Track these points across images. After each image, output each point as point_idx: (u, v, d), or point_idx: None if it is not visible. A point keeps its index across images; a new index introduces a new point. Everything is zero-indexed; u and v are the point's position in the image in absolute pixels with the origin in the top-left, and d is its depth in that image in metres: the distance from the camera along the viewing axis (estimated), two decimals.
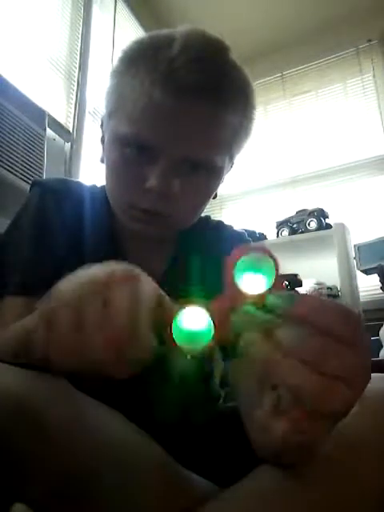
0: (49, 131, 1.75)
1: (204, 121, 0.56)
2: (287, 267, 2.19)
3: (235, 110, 0.59)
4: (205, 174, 0.59)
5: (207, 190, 0.62)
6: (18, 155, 1.50)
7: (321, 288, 2.26)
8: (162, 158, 0.55)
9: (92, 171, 2.11)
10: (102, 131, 0.65)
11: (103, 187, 0.68)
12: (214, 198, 0.66)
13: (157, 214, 0.58)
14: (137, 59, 0.57)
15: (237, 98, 0.59)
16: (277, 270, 0.30)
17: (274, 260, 0.30)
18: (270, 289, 0.30)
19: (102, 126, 0.66)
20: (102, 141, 0.64)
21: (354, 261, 2.31)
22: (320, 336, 0.29)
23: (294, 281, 2.22)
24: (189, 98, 0.54)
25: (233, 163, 0.67)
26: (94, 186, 0.71)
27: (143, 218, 0.59)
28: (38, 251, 0.59)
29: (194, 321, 0.31)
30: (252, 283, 0.31)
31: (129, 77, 0.57)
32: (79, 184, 0.71)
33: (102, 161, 0.64)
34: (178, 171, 0.56)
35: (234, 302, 0.31)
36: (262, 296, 0.30)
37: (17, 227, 0.63)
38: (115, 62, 0.61)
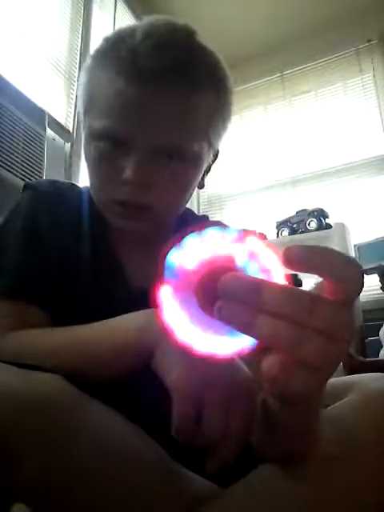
0: (49, 131, 1.75)
1: (171, 107, 0.55)
2: None
3: (206, 94, 0.57)
4: (181, 161, 0.57)
5: (186, 179, 0.61)
6: (18, 155, 1.50)
7: None
8: (135, 148, 0.55)
9: None
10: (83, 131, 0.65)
11: None
12: (200, 187, 0.65)
13: (137, 206, 0.57)
14: (104, 54, 0.58)
15: (206, 82, 0.57)
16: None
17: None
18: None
19: (83, 127, 0.65)
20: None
21: None
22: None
23: (294, 281, 2.23)
24: (153, 84, 0.53)
25: (216, 151, 0.66)
26: (87, 187, 0.71)
27: (124, 212, 0.58)
28: (27, 256, 0.58)
29: None
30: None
31: (97, 72, 0.58)
32: (72, 186, 0.70)
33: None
34: (153, 161, 0.55)
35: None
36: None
37: (6, 230, 0.62)
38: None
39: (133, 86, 0.53)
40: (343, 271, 0.28)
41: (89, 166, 0.61)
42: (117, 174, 0.56)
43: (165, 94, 0.54)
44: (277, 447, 0.42)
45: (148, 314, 0.45)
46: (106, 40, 0.59)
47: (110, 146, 0.56)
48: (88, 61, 0.61)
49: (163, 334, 0.39)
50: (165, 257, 0.31)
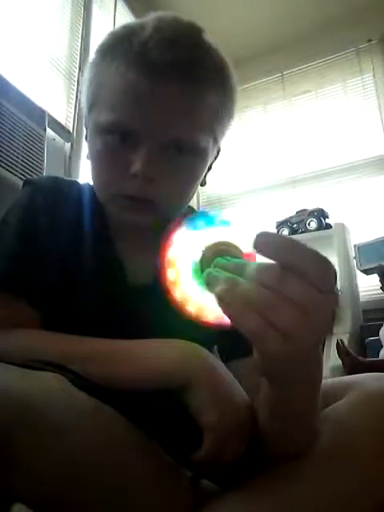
0: (49, 131, 1.75)
1: (182, 100, 0.55)
2: None
3: (214, 89, 0.57)
4: (189, 155, 0.57)
5: (193, 173, 0.61)
6: (18, 155, 1.50)
7: None
8: (145, 141, 0.54)
9: None
10: (86, 127, 0.64)
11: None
12: (202, 185, 0.65)
13: (144, 200, 0.57)
14: (111, 47, 0.57)
15: (214, 77, 0.58)
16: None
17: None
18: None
19: (85, 123, 0.65)
20: (86, 137, 0.63)
21: (354, 261, 2.31)
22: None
23: None
24: (164, 77, 0.53)
25: (219, 149, 0.66)
26: (88, 184, 0.70)
27: (131, 206, 0.57)
28: (22, 251, 0.58)
29: None
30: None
31: (105, 65, 0.57)
32: (73, 183, 0.70)
33: (89, 157, 0.64)
34: (162, 154, 0.55)
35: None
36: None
37: (4, 225, 0.62)
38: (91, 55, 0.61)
39: (144, 77, 0.53)
40: (315, 271, 0.30)
41: (94, 161, 0.60)
42: (125, 168, 0.55)
43: (175, 86, 0.54)
44: (279, 435, 0.42)
45: (182, 347, 0.47)
46: (113, 34, 0.59)
47: (117, 140, 0.55)
48: (93, 55, 0.60)
49: (200, 371, 0.45)
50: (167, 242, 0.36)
